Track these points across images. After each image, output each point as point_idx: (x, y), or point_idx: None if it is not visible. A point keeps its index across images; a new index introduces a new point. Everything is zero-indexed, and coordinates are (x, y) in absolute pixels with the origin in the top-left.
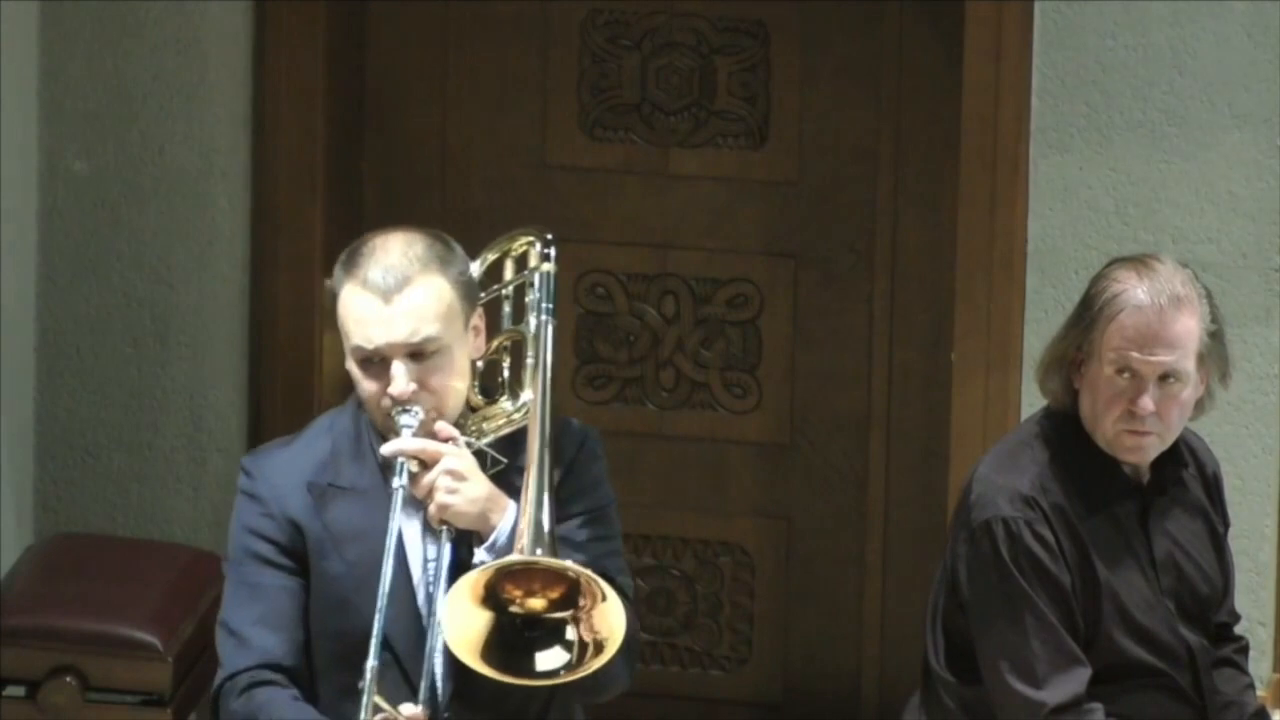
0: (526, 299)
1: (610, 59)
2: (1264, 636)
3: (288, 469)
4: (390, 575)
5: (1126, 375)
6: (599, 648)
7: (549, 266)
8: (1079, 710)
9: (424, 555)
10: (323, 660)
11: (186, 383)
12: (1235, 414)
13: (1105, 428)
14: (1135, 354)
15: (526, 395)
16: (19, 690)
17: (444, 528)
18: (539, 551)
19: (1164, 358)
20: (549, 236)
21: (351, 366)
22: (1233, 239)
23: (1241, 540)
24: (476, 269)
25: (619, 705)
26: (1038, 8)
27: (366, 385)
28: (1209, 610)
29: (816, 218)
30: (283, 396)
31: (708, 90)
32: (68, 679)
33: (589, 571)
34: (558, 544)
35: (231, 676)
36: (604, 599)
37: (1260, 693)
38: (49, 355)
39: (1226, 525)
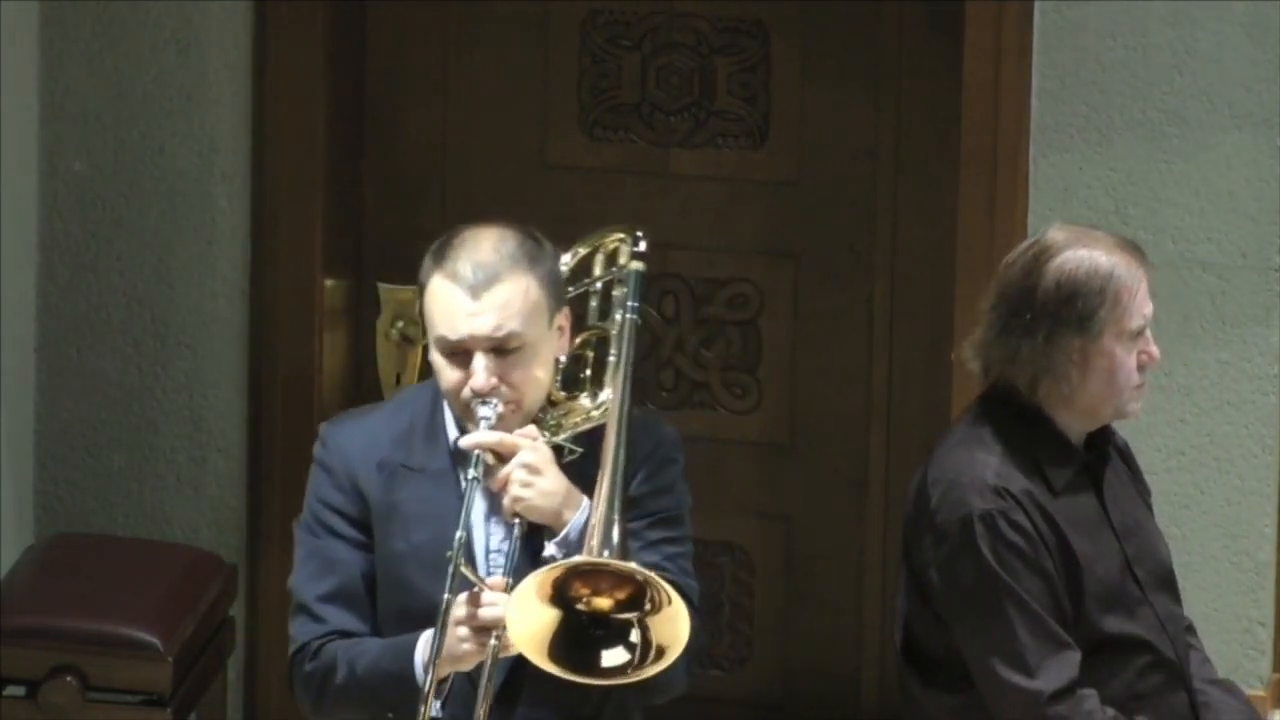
0: (613, 294)
1: (610, 59)
2: (1264, 636)
3: (362, 443)
4: (461, 541)
5: (1142, 331)
6: (661, 652)
7: (638, 265)
8: (1075, 696)
9: (487, 545)
10: (382, 635)
11: (186, 383)
12: (1235, 414)
13: (1124, 397)
14: (1149, 308)
15: (606, 393)
16: (19, 690)
17: (516, 520)
18: (607, 553)
19: (1149, 300)
20: (640, 234)
21: (434, 355)
22: (1233, 239)
23: (1241, 540)
24: (567, 262)
25: None
26: (1038, 8)
27: (448, 375)
28: (1172, 576)
29: (816, 218)
30: (283, 396)
31: (708, 90)
32: (68, 679)
33: (656, 576)
34: (628, 545)
35: (303, 647)
36: (669, 603)
37: (1260, 692)
38: (49, 355)
39: (1149, 493)
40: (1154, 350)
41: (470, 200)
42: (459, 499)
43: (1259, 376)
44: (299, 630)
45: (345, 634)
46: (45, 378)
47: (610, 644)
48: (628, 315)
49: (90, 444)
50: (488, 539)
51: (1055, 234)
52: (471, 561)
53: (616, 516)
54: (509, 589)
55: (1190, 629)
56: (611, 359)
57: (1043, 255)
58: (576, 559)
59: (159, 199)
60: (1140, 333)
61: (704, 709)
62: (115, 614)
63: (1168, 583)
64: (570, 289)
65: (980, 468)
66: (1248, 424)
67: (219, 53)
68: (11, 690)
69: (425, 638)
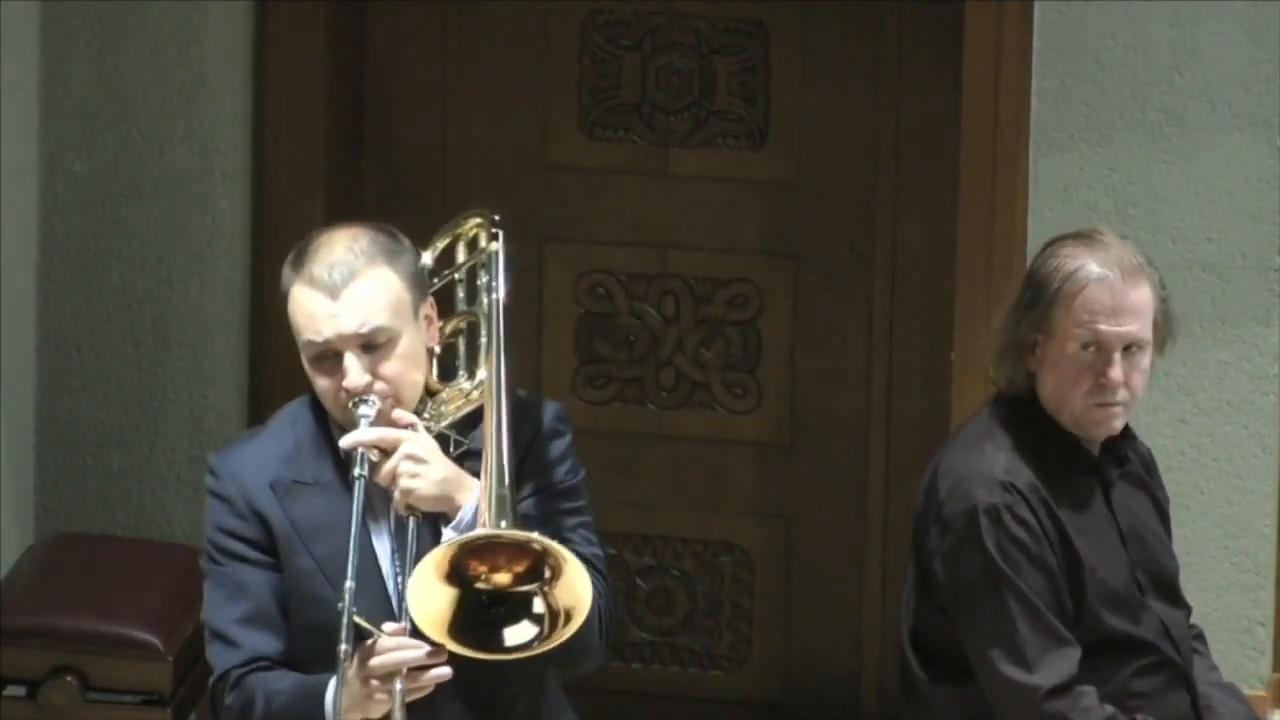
0: (479, 280)
1: (610, 59)
2: (1264, 636)
3: (252, 466)
4: (355, 554)
5: (1091, 350)
6: (567, 617)
7: (496, 245)
8: (1073, 693)
9: (390, 545)
10: (303, 655)
11: (186, 383)
12: (1235, 414)
13: (1074, 405)
14: (1103, 326)
15: (482, 374)
16: (19, 690)
17: (410, 515)
18: (502, 524)
19: (1130, 327)
20: (496, 218)
21: (306, 364)
22: (1233, 239)
23: (1241, 540)
24: (429, 256)
25: (618, 705)
26: (1038, 8)
27: (321, 381)
28: (1175, 583)
29: (816, 218)
30: (283, 396)
31: (708, 90)
32: (68, 679)
33: (550, 542)
34: (519, 517)
35: (222, 676)
36: (568, 568)
37: (1260, 693)
38: (49, 355)
39: (1168, 502)
40: (1111, 375)
41: (470, 200)
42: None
43: (1259, 376)
44: (216, 658)
45: (262, 659)
46: (45, 378)
47: (514, 619)
48: (494, 295)
49: (90, 444)
50: (390, 547)
51: (1084, 229)
52: (378, 571)
53: (506, 490)
54: (410, 624)
55: (1200, 637)
56: (483, 341)
57: (1050, 244)
58: (469, 534)
59: (159, 199)
60: (1093, 348)
61: (704, 709)
62: (115, 614)
63: (1169, 590)
64: (435, 280)
65: (989, 462)
66: (1248, 424)
67: (219, 53)
68: (11, 690)
69: (334, 681)
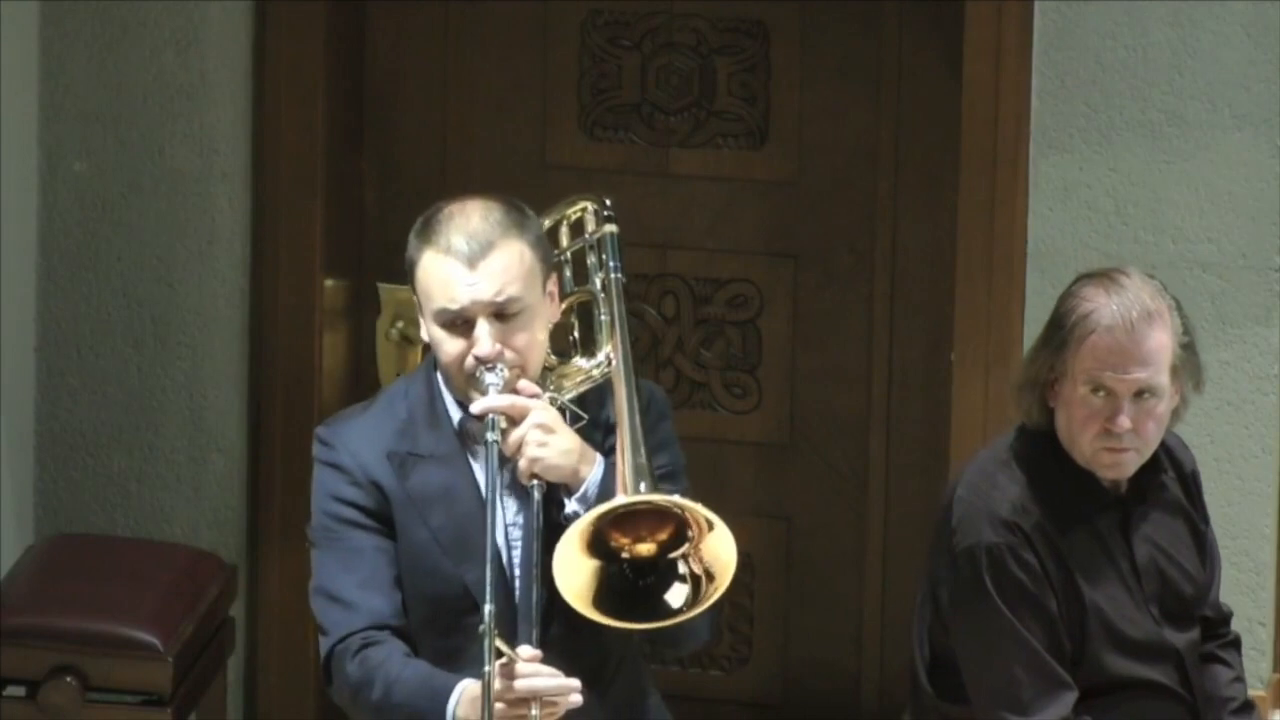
0: (588, 261)
1: (610, 59)
2: (1264, 636)
3: (367, 437)
4: (490, 531)
5: (1101, 394)
6: (714, 576)
7: (611, 227)
8: None
9: (504, 517)
10: (414, 624)
11: (186, 383)
12: (1235, 414)
13: (1083, 446)
14: (1109, 374)
15: (604, 353)
16: (19, 690)
17: (534, 483)
18: (643, 487)
19: (1138, 375)
20: (606, 200)
21: (434, 330)
22: (1233, 239)
23: (1241, 540)
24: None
25: None
26: (1038, 8)
27: (450, 346)
28: (1194, 608)
29: (816, 218)
30: (283, 396)
31: (708, 90)
32: (68, 679)
33: (692, 504)
34: (657, 483)
35: (343, 639)
36: (711, 528)
37: (1260, 693)
38: (49, 355)
39: (1206, 522)
40: (1119, 421)
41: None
42: (472, 479)
43: (1259, 376)
44: (333, 622)
45: (381, 625)
46: (45, 378)
47: (664, 587)
48: (612, 275)
49: (90, 444)
50: (503, 513)
51: (1110, 268)
52: (494, 542)
53: (644, 459)
54: (541, 650)
55: (1234, 644)
56: (604, 319)
57: (1075, 281)
58: (614, 501)
59: (159, 199)
60: (1102, 393)
61: (704, 709)
62: (115, 614)
63: (1185, 617)
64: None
65: (999, 497)
66: (1248, 424)
67: (219, 53)
68: (11, 690)
69: (460, 688)
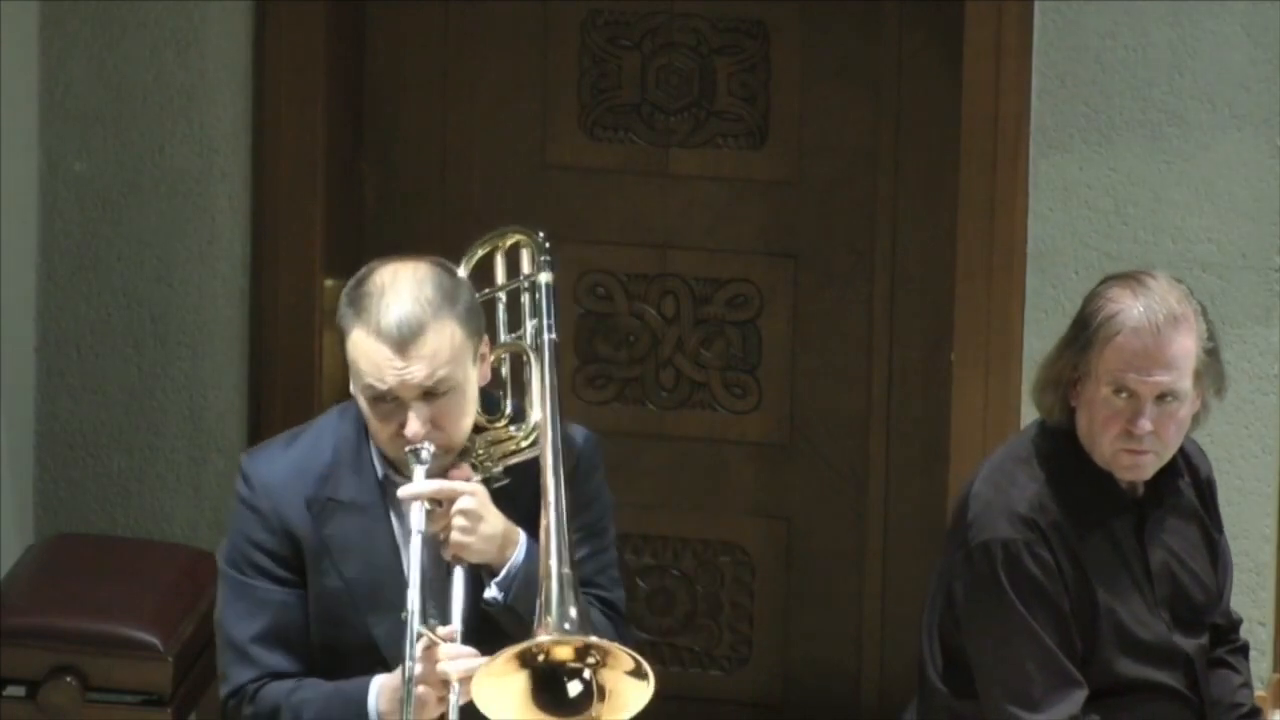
0: (523, 300)
1: (610, 59)
2: (1264, 636)
3: (287, 479)
4: (417, 583)
5: (1123, 395)
6: (615, 703)
7: (547, 276)
8: None
9: (425, 573)
10: (318, 673)
11: (186, 383)
12: (1235, 414)
13: (1103, 447)
14: (1132, 375)
15: (535, 416)
16: (19, 690)
17: (458, 563)
18: (566, 628)
19: (1161, 378)
20: (543, 238)
21: (361, 401)
22: (1233, 239)
23: (1241, 540)
24: (463, 269)
25: None
26: (1038, 8)
27: (378, 424)
28: (1205, 615)
29: (816, 218)
30: (283, 396)
31: (708, 90)
32: (68, 679)
33: (621, 648)
34: (585, 609)
35: (237, 691)
36: (620, 679)
37: (1260, 693)
38: (49, 355)
39: (1220, 530)
40: (1140, 424)
41: (470, 200)
42: (391, 531)
43: (1259, 376)
44: (232, 673)
45: (278, 675)
46: (45, 378)
47: (571, 678)
48: (547, 335)
49: (90, 444)
50: (424, 568)
51: (1138, 270)
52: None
53: (568, 570)
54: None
55: (1241, 650)
56: (535, 384)
57: (1102, 282)
58: (539, 639)
59: (159, 199)
60: (1125, 395)
61: (704, 709)
62: (115, 614)
63: (1195, 623)
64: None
65: (1018, 493)
66: (1248, 424)
67: (219, 53)
68: (11, 690)
69: (377, 685)
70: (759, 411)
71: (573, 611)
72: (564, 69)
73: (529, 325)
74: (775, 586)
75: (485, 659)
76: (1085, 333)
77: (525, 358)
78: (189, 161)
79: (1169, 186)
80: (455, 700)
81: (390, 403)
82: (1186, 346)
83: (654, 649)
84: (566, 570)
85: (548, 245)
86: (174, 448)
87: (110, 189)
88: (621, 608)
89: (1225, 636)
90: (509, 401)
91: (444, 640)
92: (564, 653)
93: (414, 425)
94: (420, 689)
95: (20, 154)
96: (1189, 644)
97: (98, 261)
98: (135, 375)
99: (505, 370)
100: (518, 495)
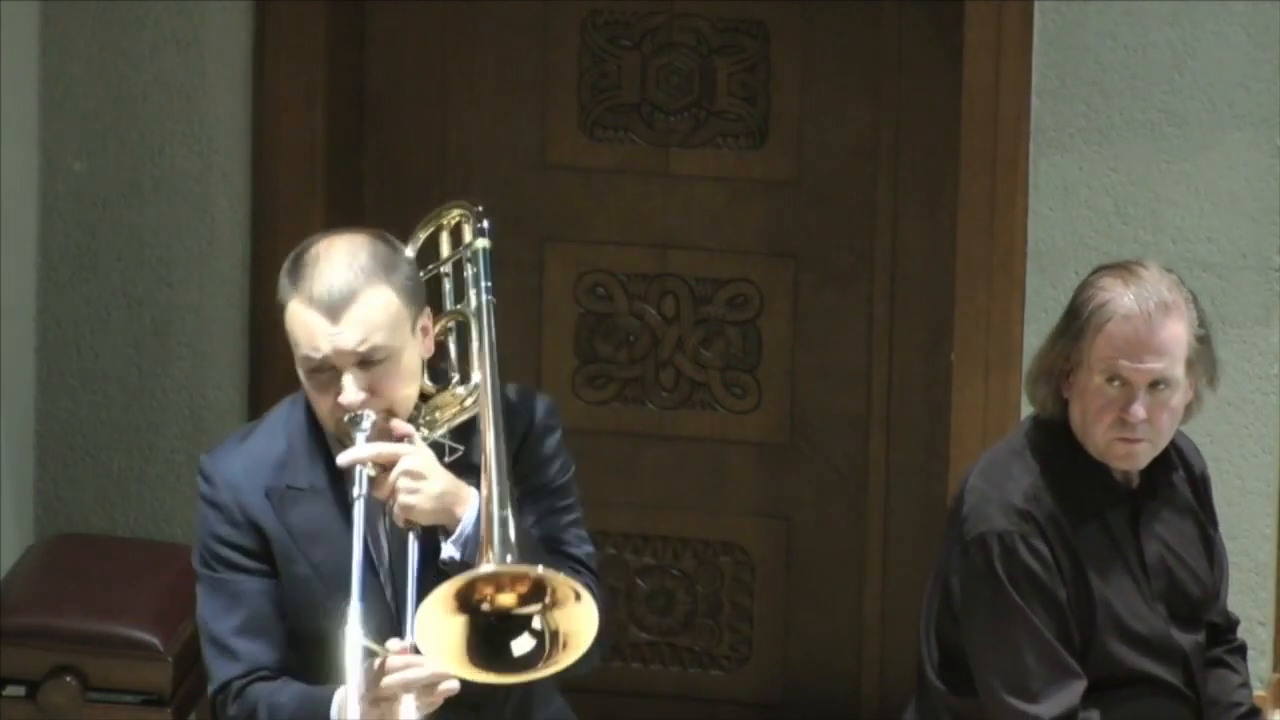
0: (465, 274)
1: (610, 59)
2: (1264, 636)
3: (245, 472)
4: (360, 574)
5: (1116, 384)
6: (566, 643)
7: (483, 242)
8: None
9: (389, 558)
10: (298, 661)
11: (186, 383)
12: (1235, 414)
13: (1096, 436)
14: (1125, 362)
15: (476, 378)
16: (19, 690)
17: (410, 529)
18: (508, 558)
19: (1154, 365)
20: (480, 210)
21: (302, 376)
22: (1233, 239)
23: (1241, 540)
24: (411, 250)
25: (618, 705)
26: (1038, 8)
27: (318, 398)
28: (1201, 611)
29: (816, 218)
30: (282, 396)
31: (708, 90)
32: (68, 679)
33: (554, 574)
34: (525, 540)
35: (223, 687)
36: (570, 599)
37: (1260, 692)
38: (49, 355)
39: (1215, 526)
40: (1133, 410)
41: (470, 200)
42: (349, 513)
43: (1259, 376)
44: (216, 669)
45: (262, 669)
46: (45, 378)
47: (518, 636)
48: (484, 297)
49: (90, 444)
50: (388, 554)
51: (1129, 260)
52: (376, 578)
53: (508, 512)
54: (412, 641)
55: (1239, 650)
56: (475, 345)
57: (1093, 273)
58: (476, 571)
59: (159, 199)
60: (1118, 383)
61: (704, 709)
62: (115, 614)
63: (1192, 618)
64: (420, 273)
65: (1013, 486)
66: (1248, 424)
67: (219, 53)
68: (11, 690)
69: (340, 696)
70: (759, 411)
71: (512, 544)
72: (564, 69)
73: (470, 294)
74: (775, 586)
75: (433, 668)
76: (1077, 322)
77: (467, 324)
78: (189, 161)
79: (1169, 186)
80: (410, 711)
81: (327, 372)
82: (1178, 333)
83: (654, 649)
84: (507, 513)
85: (483, 211)
86: (174, 448)
87: (110, 189)
88: (591, 564)
89: (1223, 636)
90: (456, 375)
91: (395, 653)
92: (507, 599)
93: (349, 393)
94: (379, 703)
95: (20, 154)
96: (1186, 640)
97: (98, 261)
98: (135, 375)
99: (452, 345)
100: (476, 463)
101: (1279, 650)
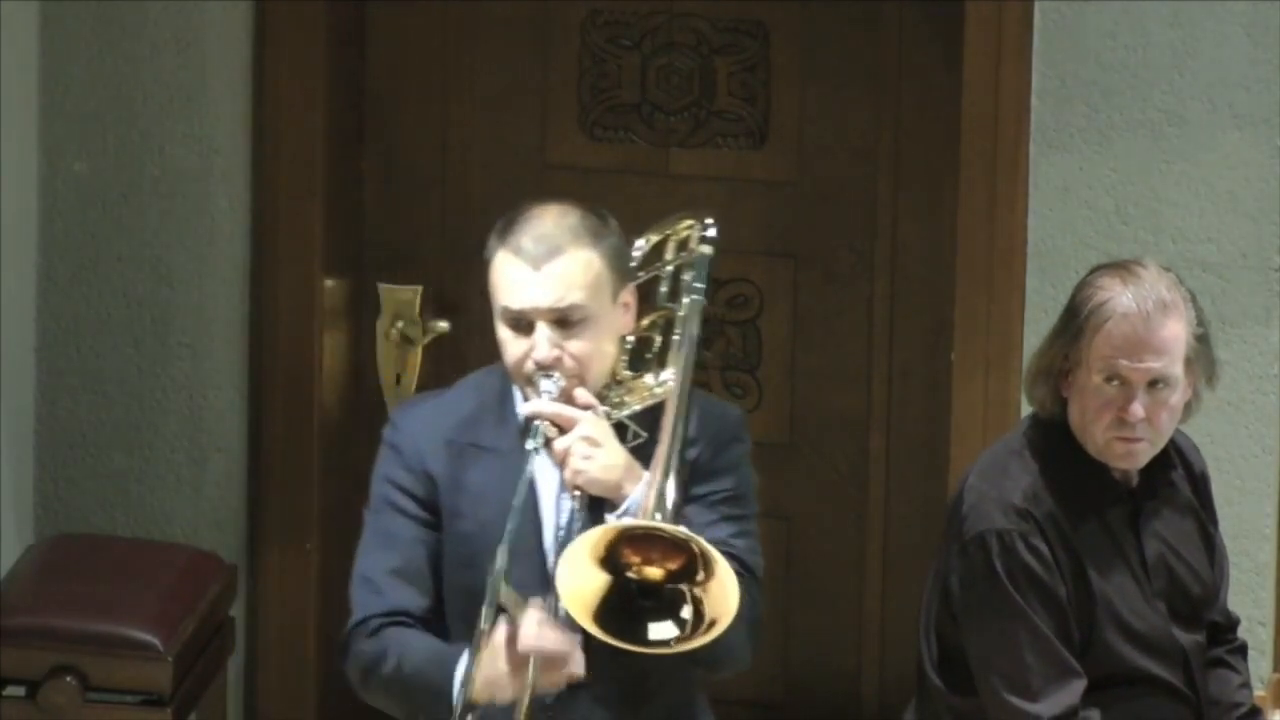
0: (681, 279)
1: (610, 59)
2: (1264, 636)
3: (431, 424)
4: (514, 527)
5: (1115, 383)
6: (710, 623)
7: (706, 249)
8: None
9: (557, 520)
10: (451, 615)
11: (186, 383)
12: (1235, 414)
13: (1095, 435)
14: (1123, 361)
15: (669, 372)
16: (19, 690)
17: (576, 494)
18: (658, 518)
19: (1152, 364)
20: (709, 221)
21: (499, 328)
22: (1233, 239)
23: (1241, 540)
24: (640, 247)
25: None
26: (1038, 8)
27: (512, 347)
28: (1202, 610)
29: (816, 218)
30: (283, 396)
31: (708, 90)
32: (68, 679)
33: (707, 545)
34: (681, 516)
35: (363, 620)
36: (720, 575)
37: (1260, 692)
38: (49, 355)
39: (1215, 525)
40: (1132, 410)
41: (470, 200)
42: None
43: (1259, 376)
44: (359, 601)
45: (404, 613)
46: (45, 378)
47: (659, 616)
48: (693, 296)
49: (90, 444)
50: (558, 515)
51: (1127, 259)
52: (539, 546)
53: (670, 487)
54: (559, 615)
55: (1240, 650)
56: (675, 340)
57: (1091, 272)
58: (625, 521)
59: (159, 199)
60: (1116, 382)
61: None
62: (115, 614)
63: (1193, 617)
64: (641, 274)
65: (1011, 485)
66: (1248, 424)
67: (219, 53)
68: (11, 690)
69: (466, 655)
70: (759, 411)
71: (669, 513)
72: (564, 69)
73: (683, 295)
74: (775, 586)
75: (565, 643)
76: (1075, 321)
77: (674, 323)
78: (189, 161)
79: (1169, 186)
80: (531, 682)
81: (525, 326)
82: (1177, 332)
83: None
84: (668, 484)
85: (712, 223)
86: (174, 448)
87: (110, 189)
88: (758, 572)
89: (1223, 636)
90: (655, 366)
91: (535, 620)
92: (654, 573)
93: (542, 347)
94: (499, 664)
95: (20, 154)
96: (1186, 639)
97: (98, 261)
98: (135, 375)
99: (658, 341)
100: (654, 454)
101: (1279, 650)
